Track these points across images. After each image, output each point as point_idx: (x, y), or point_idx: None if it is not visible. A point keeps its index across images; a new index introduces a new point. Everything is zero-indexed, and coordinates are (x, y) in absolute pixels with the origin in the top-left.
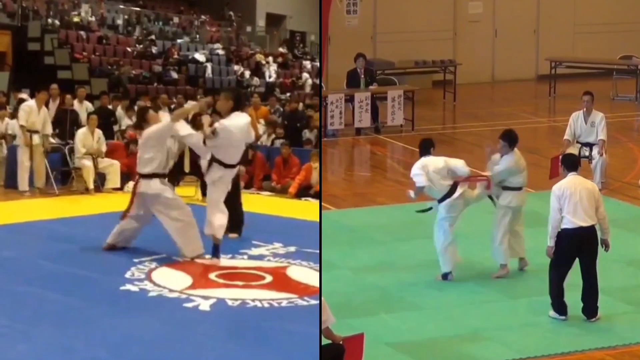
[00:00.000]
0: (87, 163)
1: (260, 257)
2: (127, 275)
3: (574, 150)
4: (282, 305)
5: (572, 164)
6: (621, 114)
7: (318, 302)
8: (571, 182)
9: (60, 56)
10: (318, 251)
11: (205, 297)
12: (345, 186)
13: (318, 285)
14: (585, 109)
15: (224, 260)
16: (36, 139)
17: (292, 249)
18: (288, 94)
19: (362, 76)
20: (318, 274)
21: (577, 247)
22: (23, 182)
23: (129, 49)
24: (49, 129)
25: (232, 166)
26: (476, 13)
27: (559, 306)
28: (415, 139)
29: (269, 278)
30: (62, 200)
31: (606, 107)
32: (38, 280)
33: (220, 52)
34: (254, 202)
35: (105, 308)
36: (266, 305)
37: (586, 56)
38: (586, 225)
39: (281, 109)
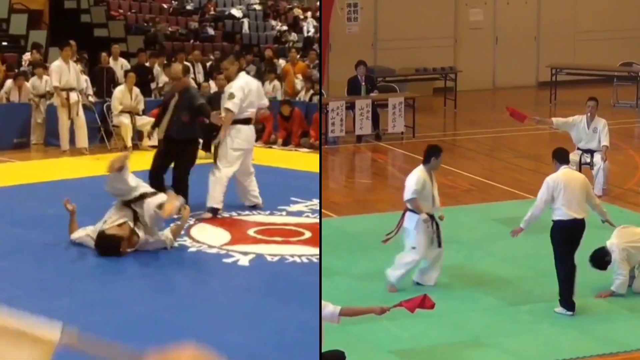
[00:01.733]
0: (125, 121)
1: (298, 214)
2: (166, 231)
3: (574, 157)
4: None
5: (564, 157)
6: (622, 121)
7: None
8: (565, 175)
9: (97, 14)
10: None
11: (244, 253)
12: (346, 193)
13: None
14: (589, 114)
15: (263, 217)
16: (74, 96)
17: None
18: None
19: (363, 83)
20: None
21: (570, 238)
22: (64, 141)
23: (164, 6)
24: (83, 84)
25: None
26: (477, 20)
27: (567, 302)
28: (416, 146)
29: (307, 234)
30: (101, 158)
31: (607, 113)
32: None
33: (257, 7)
34: (292, 159)
35: (146, 263)
36: (305, 260)
37: (587, 63)
38: (579, 217)
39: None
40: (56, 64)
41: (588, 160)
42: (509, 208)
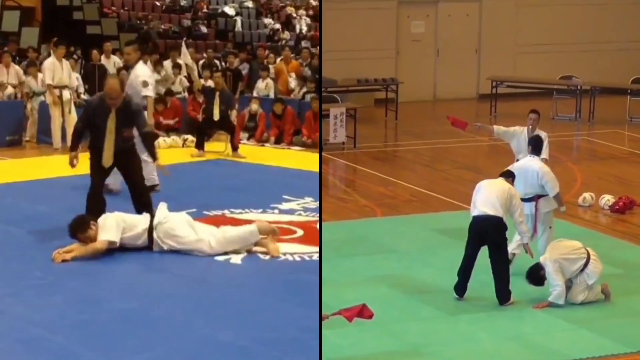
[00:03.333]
0: None
1: (291, 212)
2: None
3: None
4: (313, 259)
5: (506, 174)
6: (561, 134)
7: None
8: (493, 181)
9: (89, 11)
10: None
11: (237, 251)
12: None
13: None
14: (530, 127)
15: (255, 215)
16: (66, 94)
17: None
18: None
19: None
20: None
21: (482, 234)
22: (56, 139)
23: (157, 3)
24: (75, 82)
25: None
26: (418, 32)
27: (459, 287)
28: (357, 156)
29: (300, 232)
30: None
31: (546, 126)
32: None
33: (250, 5)
34: (284, 157)
35: (137, 261)
36: (297, 258)
37: (527, 76)
38: (492, 214)
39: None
40: (49, 62)
41: None
42: (448, 219)
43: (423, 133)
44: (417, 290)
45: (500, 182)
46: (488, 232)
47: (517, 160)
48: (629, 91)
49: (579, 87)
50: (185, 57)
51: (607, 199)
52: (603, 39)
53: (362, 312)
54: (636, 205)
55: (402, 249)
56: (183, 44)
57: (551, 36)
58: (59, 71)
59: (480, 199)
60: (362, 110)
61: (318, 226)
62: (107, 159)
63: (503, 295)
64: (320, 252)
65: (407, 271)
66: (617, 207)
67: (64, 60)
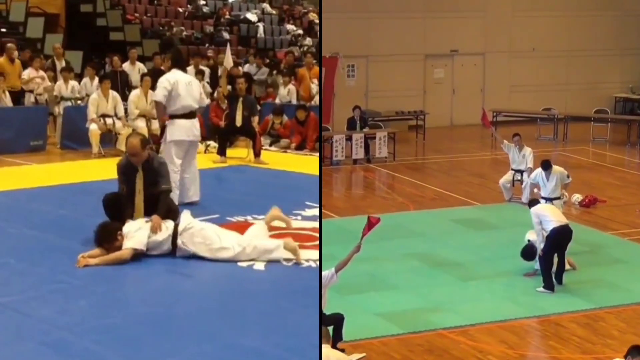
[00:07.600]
0: (141, 124)
1: (314, 218)
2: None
3: (508, 177)
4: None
5: (535, 202)
6: (543, 150)
7: None
8: (541, 205)
9: (113, 17)
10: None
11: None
12: (346, 200)
13: None
14: (517, 146)
15: (278, 221)
16: (109, 121)
17: None
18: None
19: (358, 122)
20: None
21: (568, 238)
22: (95, 147)
23: (180, 10)
24: (121, 111)
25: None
26: (439, 77)
27: (550, 284)
28: (396, 167)
29: None
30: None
31: (532, 144)
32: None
33: (273, 11)
34: (307, 163)
35: (160, 267)
36: None
37: (518, 108)
38: (566, 223)
39: None
40: (94, 97)
41: (519, 177)
42: (461, 212)
43: (443, 150)
44: (439, 263)
45: (547, 204)
46: (567, 238)
47: (511, 169)
48: (592, 119)
49: (556, 116)
50: (227, 60)
51: (577, 197)
52: (573, 81)
53: (372, 222)
54: (598, 201)
55: (428, 234)
56: (228, 47)
57: (536, 79)
58: (103, 105)
59: (552, 215)
60: (399, 134)
61: (320, 225)
62: (138, 214)
63: (561, 278)
64: (320, 253)
65: (431, 249)
66: (585, 203)
67: (111, 92)
